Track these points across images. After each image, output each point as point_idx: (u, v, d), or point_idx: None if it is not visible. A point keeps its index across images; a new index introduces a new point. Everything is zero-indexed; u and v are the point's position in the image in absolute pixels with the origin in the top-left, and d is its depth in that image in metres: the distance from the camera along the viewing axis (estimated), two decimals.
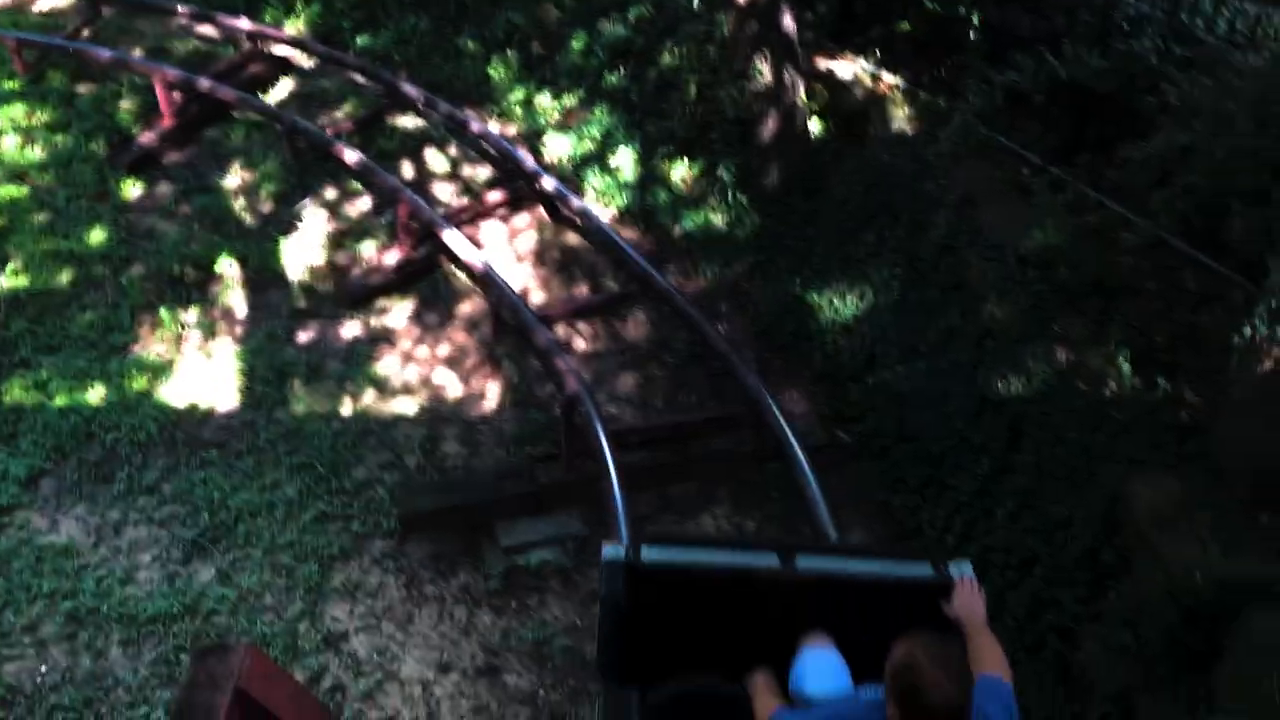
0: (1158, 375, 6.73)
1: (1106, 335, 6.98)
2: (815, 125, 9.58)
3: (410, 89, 11.60)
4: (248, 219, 10.96)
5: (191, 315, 10.02)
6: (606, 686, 4.31)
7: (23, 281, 10.28)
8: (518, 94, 11.64)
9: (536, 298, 9.85)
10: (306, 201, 10.99)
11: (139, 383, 9.34)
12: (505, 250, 10.40)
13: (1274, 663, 5.31)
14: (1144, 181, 6.76)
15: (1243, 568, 5.73)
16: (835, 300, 8.50)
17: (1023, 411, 6.86)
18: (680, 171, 10.07)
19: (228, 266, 10.41)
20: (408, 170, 11.24)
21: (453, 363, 9.43)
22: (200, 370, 9.52)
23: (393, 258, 10.22)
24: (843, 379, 8.22)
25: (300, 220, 10.84)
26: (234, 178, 11.38)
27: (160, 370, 9.50)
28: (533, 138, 11.29)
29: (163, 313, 9.96)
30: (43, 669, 7.29)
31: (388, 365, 9.46)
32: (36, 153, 11.64)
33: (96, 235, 10.76)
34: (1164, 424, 6.38)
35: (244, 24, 12.69)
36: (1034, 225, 7.67)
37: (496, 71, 11.87)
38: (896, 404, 7.63)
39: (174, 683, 7.02)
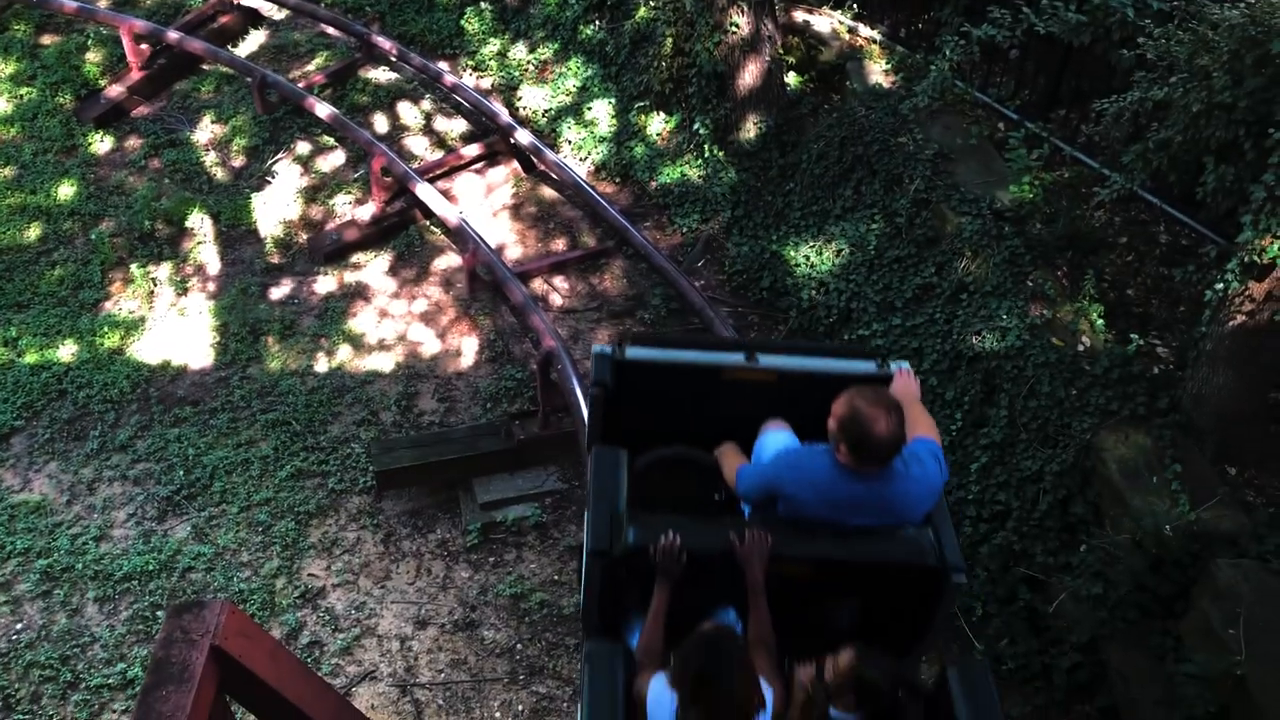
0: (1130, 330, 6.78)
1: (1080, 290, 7.02)
2: (792, 79, 9.51)
3: (383, 41, 11.45)
4: (219, 173, 10.84)
5: (163, 271, 9.94)
6: (597, 453, 4.59)
7: None
8: (492, 46, 11.50)
9: (512, 253, 9.81)
10: (279, 156, 10.87)
11: (111, 339, 9.27)
12: (480, 205, 10.34)
13: (1238, 612, 5.41)
14: (1118, 136, 6.76)
15: (1210, 520, 5.82)
16: (811, 255, 8.49)
17: (996, 366, 6.90)
18: (656, 125, 10.00)
19: (199, 222, 10.32)
20: (381, 124, 11.12)
21: (428, 319, 9.39)
22: (173, 327, 9.46)
23: (366, 213, 10.14)
24: (819, 335, 8.25)
25: (272, 175, 10.73)
26: (204, 132, 11.24)
27: (132, 327, 9.43)
28: (507, 91, 11.18)
29: (134, 269, 9.87)
30: (18, 626, 7.29)
31: (363, 321, 9.41)
32: (1, 106, 11.45)
33: (65, 190, 10.63)
34: (1135, 378, 6.42)
35: None
36: (1009, 180, 7.69)
37: (470, 24, 11.72)
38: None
39: (150, 639, 7.04)
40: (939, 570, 4.05)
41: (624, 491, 4.44)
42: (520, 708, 6.75)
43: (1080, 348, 6.69)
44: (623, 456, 4.60)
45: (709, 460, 4.75)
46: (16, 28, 12.13)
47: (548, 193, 10.36)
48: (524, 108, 10.96)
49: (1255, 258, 5.58)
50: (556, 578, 7.46)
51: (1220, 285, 5.76)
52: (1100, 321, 6.84)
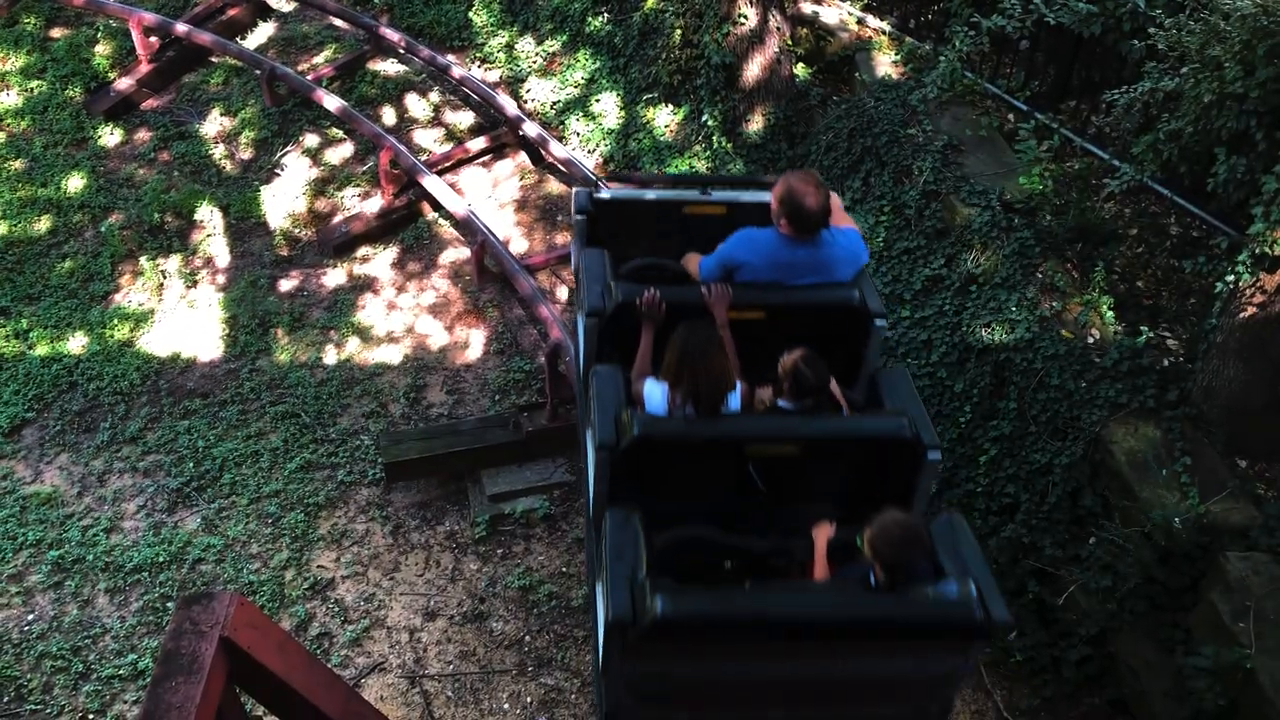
0: (1140, 322, 6.76)
1: (1090, 282, 6.99)
2: (801, 70, 9.48)
3: (391, 34, 11.44)
4: (228, 166, 10.86)
5: (173, 264, 9.96)
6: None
7: (0, 230, 10.19)
8: (500, 39, 11.49)
9: (519, 245, 9.81)
10: (288, 148, 10.88)
11: (121, 332, 9.30)
12: (488, 197, 10.33)
13: (1248, 605, 5.40)
14: (1129, 127, 6.73)
15: (1220, 512, 5.80)
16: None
17: (1006, 359, 6.87)
18: (664, 117, 9.98)
19: (208, 214, 10.34)
20: (389, 116, 11.12)
21: (436, 311, 9.40)
22: (182, 319, 9.48)
23: (375, 205, 10.14)
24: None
25: (281, 167, 10.74)
26: (213, 124, 11.26)
27: (142, 319, 9.46)
28: (515, 83, 11.16)
29: (143, 261, 9.90)
30: (30, 617, 7.33)
31: (371, 314, 9.43)
32: (11, 98, 11.49)
33: (75, 183, 10.66)
34: (1145, 370, 6.40)
35: None
36: (1019, 172, 7.66)
37: (478, 16, 11.71)
38: (881, 354, 7.63)
39: (160, 631, 7.06)
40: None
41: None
42: (529, 699, 6.77)
43: (1090, 340, 6.67)
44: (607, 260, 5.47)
45: (678, 267, 5.61)
46: (26, 21, 12.15)
47: (555, 185, 10.35)
48: (531, 100, 10.95)
49: (1267, 249, 5.56)
50: (565, 570, 7.47)
51: (1231, 277, 5.74)
52: (1110, 314, 6.81)
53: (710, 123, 9.51)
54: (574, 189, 5.82)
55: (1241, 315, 5.92)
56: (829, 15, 9.70)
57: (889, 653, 4.33)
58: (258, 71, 11.13)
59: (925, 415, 4.85)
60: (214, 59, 11.84)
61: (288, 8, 12.53)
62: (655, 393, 4.75)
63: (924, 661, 4.34)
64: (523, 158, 10.60)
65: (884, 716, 4.78)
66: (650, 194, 5.87)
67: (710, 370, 4.56)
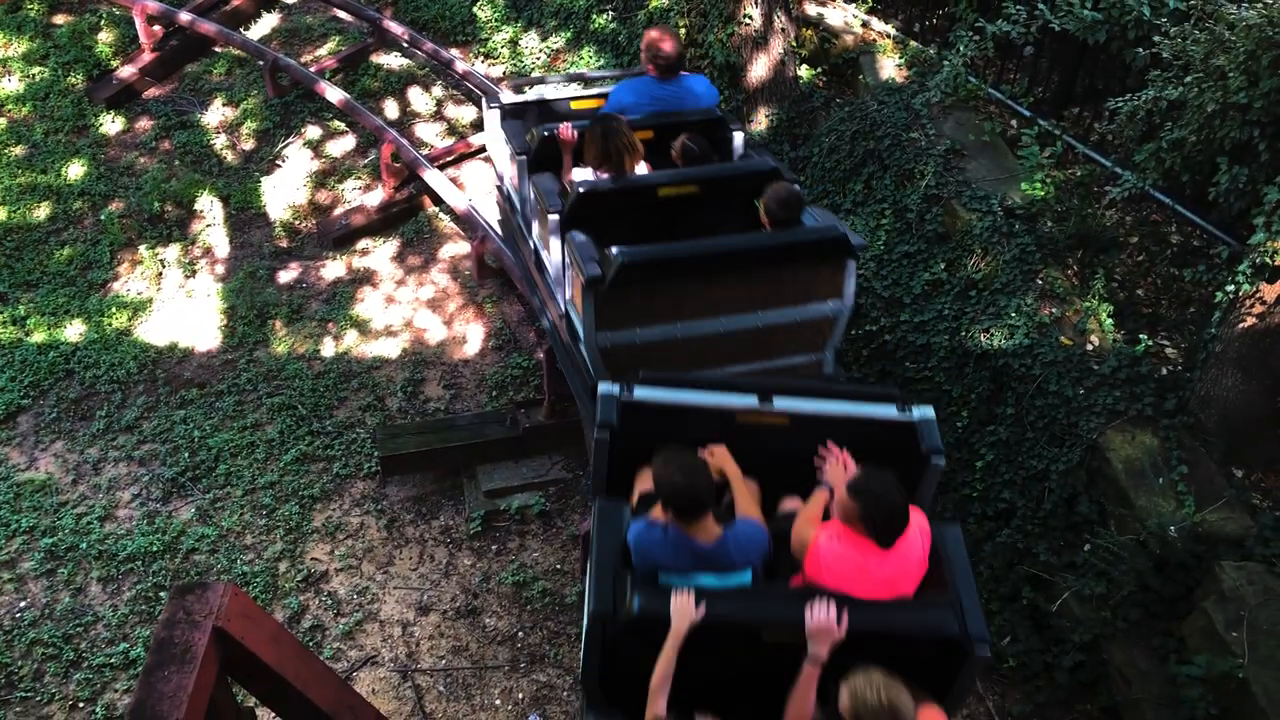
0: (1139, 330, 6.76)
1: (1090, 289, 7.00)
2: (804, 72, 9.48)
3: (395, 27, 11.43)
4: (229, 156, 10.84)
5: (172, 253, 9.95)
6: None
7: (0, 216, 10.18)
8: (504, 34, 11.48)
9: None
10: (289, 140, 10.87)
11: (118, 320, 9.29)
12: (489, 193, 10.31)
13: (1242, 615, 5.41)
14: (1131, 135, 6.73)
15: (1215, 522, 5.81)
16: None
17: (1004, 364, 6.88)
18: None
19: (209, 204, 10.32)
20: (392, 110, 11.11)
21: (435, 305, 9.39)
22: (180, 309, 9.47)
23: (375, 198, 10.13)
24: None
25: (283, 159, 10.73)
26: (215, 114, 11.24)
27: (140, 308, 9.44)
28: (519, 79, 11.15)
29: (142, 250, 9.89)
30: (22, 604, 7.31)
31: (370, 307, 9.41)
32: (13, 85, 11.47)
33: (75, 170, 10.64)
34: (1144, 378, 6.41)
35: None
36: (1021, 178, 7.67)
37: (483, 11, 11.70)
38: (880, 357, 7.64)
39: (153, 620, 7.05)
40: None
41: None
42: (521, 695, 6.76)
43: (1089, 347, 6.68)
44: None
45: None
46: (30, 7, 12.12)
47: None
48: None
49: (1267, 260, 5.56)
50: (559, 566, 7.47)
51: (1231, 287, 5.74)
52: (1109, 321, 6.82)
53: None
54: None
55: (1241, 325, 5.93)
56: (834, 17, 9.70)
57: None
58: (261, 62, 11.11)
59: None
60: (217, 49, 11.83)
61: None
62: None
63: None
64: None
65: None
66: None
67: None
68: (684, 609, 3.97)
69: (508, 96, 8.12)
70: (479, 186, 10.33)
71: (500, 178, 7.96)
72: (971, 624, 4.04)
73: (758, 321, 5.92)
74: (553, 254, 6.51)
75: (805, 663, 3.90)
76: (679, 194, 6.22)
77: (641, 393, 4.91)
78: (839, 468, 4.59)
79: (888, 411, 4.89)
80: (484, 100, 8.20)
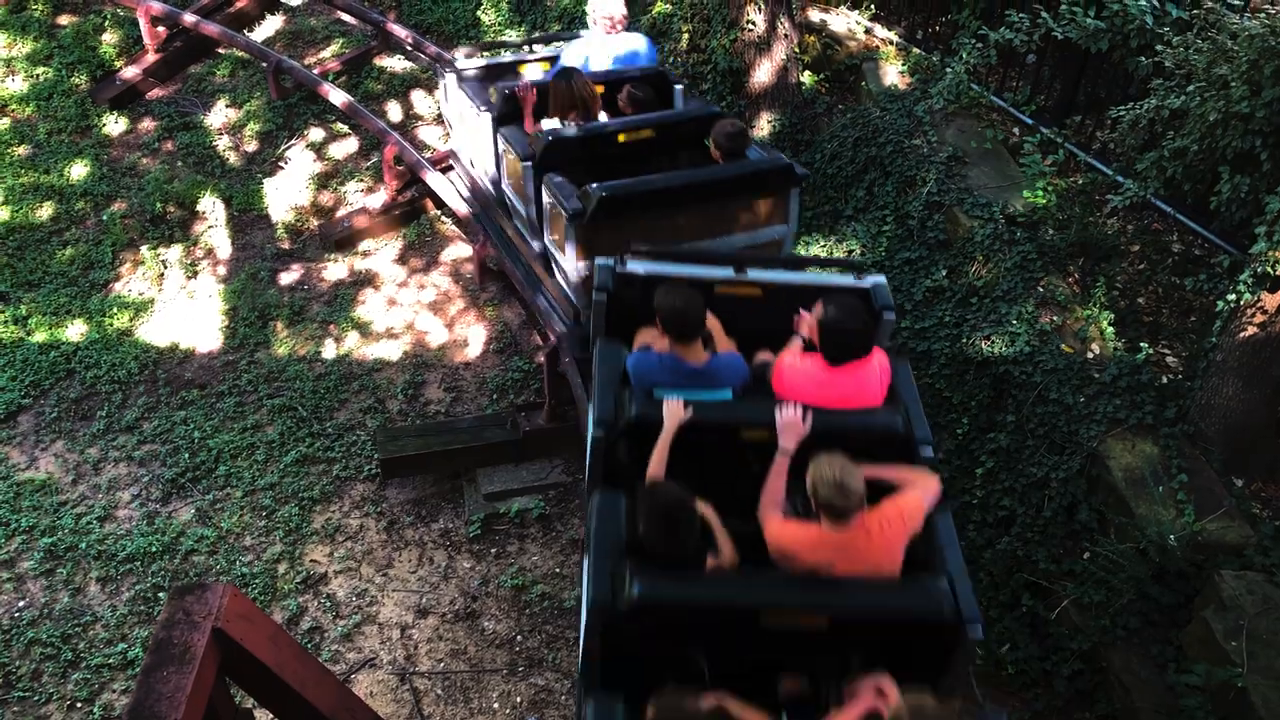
0: (1140, 338, 6.77)
1: (1090, 297, 7.00)
2: (807, 78, 9.49)
3: (399, 30, 11.45)
4: (232, 158, 10.86)
5: (174, 254, 9.96)
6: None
7: (2, 216, 10.21)
8: (508, 38, 11.49)
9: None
10: (292, 141, 10.88)
11: (120, 320, 9.29)
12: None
13: (1241, 624, 5.40)
14: (1133, 144, 6.74)
15: (1215, 531, 5.81)
16: (822, 255, 8.48)
17: (1005, 371, 6.88)
18: None
19: (211, 205, 10.34)
20: (395, 113, 11.13)
21: (437, 308, 9.40)
22: (182, 309, 9.48)
23: (378, 201, 10.14)
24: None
25: (285, 160, 10.74)
26: (218, 115, 11.26)
27: (141, 308, 9.45)
28: None
29: (144, 251, 9.90)
30: (21, 604, 7.31)
31: (371, 309, 9.42)
32: (17, 85, 11.49)
33: (78, 170, 10.66)
34: (1144, 386, 6.41)
35: None
36: (1023, 185, 7.67)
37: (486, 15, 11.72)
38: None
39: (152, 621, 7.05)
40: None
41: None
42: (519, 699, 6.76)
43: (1090, 355, 6.68)
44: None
45: None
46: (34, 7, 12.15)
47: None
48: None
49: (1268, 269, 5.56)
50: (558, 570, 7.46)
51: (1232, 296, 5.74)
52: (1110, 329, 6.82)
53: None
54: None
55: (1242, 334, 5.93)
56: (837, 23, 9.71)
57: None
58: (264, 64, 11.13)
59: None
60: (221, 50, 11.86)
61: (296, 1, 12.55)
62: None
63: None
64: None
65: None
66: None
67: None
68: (675, 410, 4.70)
69: (463, 64, 8.69)
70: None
71: (459, 145, 8.92)
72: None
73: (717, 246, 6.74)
74: (523, 199, 7.34)
75: (777, 454, 4.58)
76: (637, 138, 7.10)
77: (633, 265, 5.56)
78: (808, 323, 5.14)
79: (846, 279, 5.67)
80: (438, 68, 9.21)
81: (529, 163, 7.02)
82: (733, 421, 4.83)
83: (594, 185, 6.30)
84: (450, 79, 8.49)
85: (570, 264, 6.70)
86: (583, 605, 4.57)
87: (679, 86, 7.80)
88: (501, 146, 7.61)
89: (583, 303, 6.79)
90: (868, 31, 9.61)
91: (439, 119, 11.10)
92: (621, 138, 7.10)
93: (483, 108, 7.84)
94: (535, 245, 7.57)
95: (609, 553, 4.32)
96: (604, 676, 4.29)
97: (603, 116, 7.40)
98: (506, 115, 7.62)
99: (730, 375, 5.10)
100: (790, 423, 4.59)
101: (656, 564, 4.16)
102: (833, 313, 4.89)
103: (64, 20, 12.14)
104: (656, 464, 4.65)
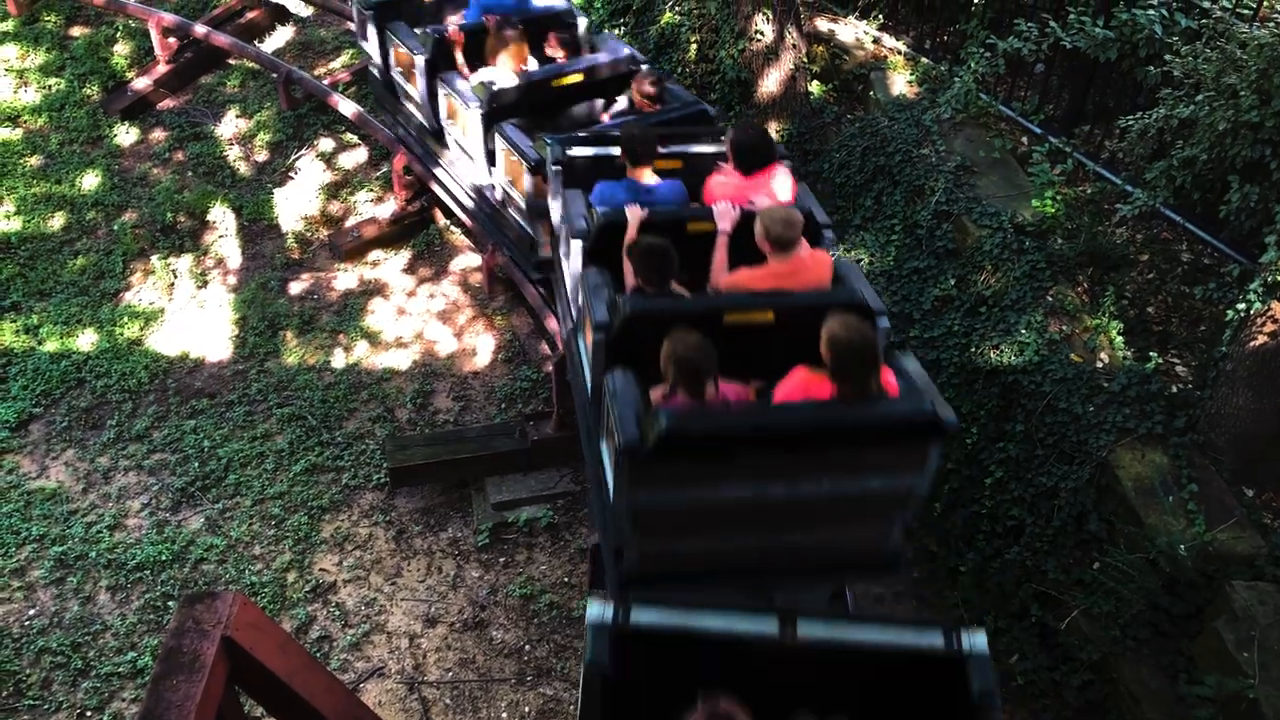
0: (1149, 348, 6.75)
1: (1100, 306, 6.99)
2: (815, 88, 9.50)
3: None
4: (242, 168, 10.90)
5: (184, 263, 10.00)
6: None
7: (14, 226, 10.25)
8: None
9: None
10: (302, 151, 10.93)
11: (130, 330, 9.33)
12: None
13: (1253, 635, 5.38)
14: (1142, 153, 6.73)
15: (1226, 541, 5.78)
16: None
17: (1014, 381, 6.87)
18: None
19: (221, 215, 10.38)
20: None
21: (446, 318, 9.42)
22: (192, 319, 9.51)
23: (387, 210, 10.17)
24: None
25: (295, 170, 10.78)
26: (229, 126, 11.31)
27: (152, 318, 9.49)
28: None
29: (155, 260, 9.94)
30: (31, 612, 7.33)
31: (380, 318, 9.44)
32: (30, 95, 11.55)
33: (89, 180, 10.71)
34: (1154, 396, 6.39)
35: None
36: (1031, 195, 7.67)
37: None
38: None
39: (161, 629, 7.06)
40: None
41: None
42: (527, 709, 6.75)
43: (1099, 364, 6.66)
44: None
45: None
46: (47, 19, 12.23)
47: None
48: None
49: (1278, 278, 5.55)
50: (567, 580, 7.46)
51: (1242, 305, 5.72)
52: (1119, 338, 6.81)
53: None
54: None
55: (1252, 344, 5.91)
56: (845, 33, 9.73)
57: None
58: (274, 75, 11.18)
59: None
60: (231, 61, 11.91)
61: (306, 12, 12.60)
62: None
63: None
64: None
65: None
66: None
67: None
68: (635, 212, 5.77)
69: None
70: None
71: (381, 67, 9.43)
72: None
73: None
74: (474, 142, 8.10)
75: (717, 236, 5.64)
76: (569, 83, 7.96)
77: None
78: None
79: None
80: (353, 4, 9.53)
81: (478, 110, 7.81)
82: (681, 215, 5.91)
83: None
84: (368, 15, 9.07)
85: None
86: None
87: (582, 21, 8.53)
88: (445, 94, 8.35)
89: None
90: (876, 41, 9.63)
91: None
92: (556, 83, 7.93)
93: (416, 50, 8.43)
94: (481, 179, 8.41)
95: (634, 407, 4.57)
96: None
97: (532, 64, 8.21)
98: (438, 59, 8.34)
99: (676, 197, 6.34)
100: (724, 212, 5.72)
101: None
102: (740, 131, 6.29)
103: (76, 32, 12.22)
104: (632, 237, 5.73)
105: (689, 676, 3.81)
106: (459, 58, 8.28)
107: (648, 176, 6.33)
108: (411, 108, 9.16)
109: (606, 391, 4.94)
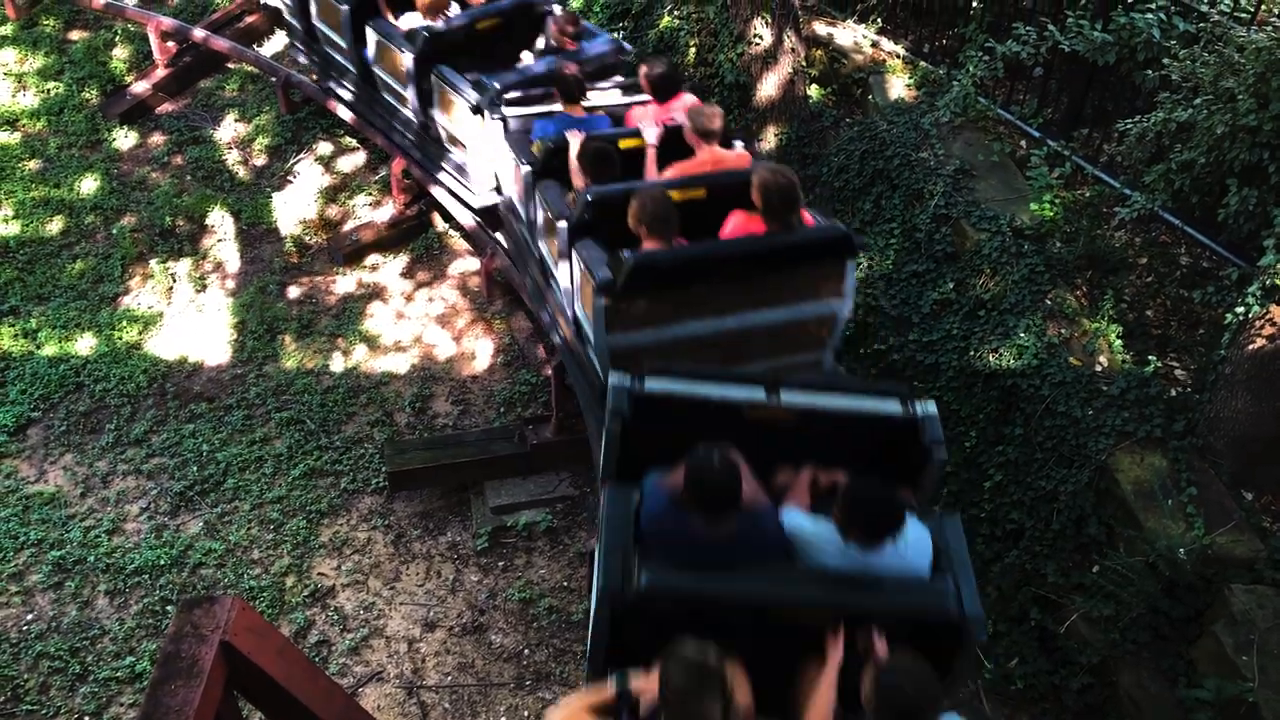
0: (1148, 351, 6.75)
1: (1099, 309, 6.99)
2: (814, 91, 9.50)
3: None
4: (241, 172, 10.90)
5: (183, 267, 9.99)
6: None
7: (13, 230, 10.24)
8: None
9: None
10: (301, 155, 10.92)
11: (129, 334, 9.32)
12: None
13: (1252, 639, 5.38)
14: (1141, 156, 6.73)
15: (1225, 544, 5.78)
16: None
17: (1013, 384, 6.87)
18: None
19: (220, 219, 10.37)
20: None
21: (444, 321, 9.41)
22: (191, 323, 9.50)
23: (386, 214, 10.17)
24: (835, 351, 8.22)
25: (294, 174, 10.78)
26: (227, 130, 11.31)
27: (150, 322, 9.48)
28: None
29: (154, 264, 9.93)
30: (29, 617, 7.32)
31: (379, 322, 9.44)
32: (28, 100, 11.55)
33: (88, 184, 10.71)
34: (1153, 399, 6.39)
35: None
36: (1030, 198, 7.67)
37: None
38: (888, 376, 7.64)
39: (160, 634, 7.05)
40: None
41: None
42: (526, 714, 6.74)
43: (1098, 368, 6.66)
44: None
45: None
46: (46, 23, 12.23)
47: None
48: None
49: (1277, 282, 5.55)
50: (566, 584, 7.45)
51: (1241, 309, 5.73)
52: (1118, 342, 6.81)
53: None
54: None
55: (1250, 347, 5.92)
56: (843, 37, 9.73)
57: None
58: (273, 78, 11.18)
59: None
60: (230, 65, 11.91)
61: None
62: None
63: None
64: None
65: None
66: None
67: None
68: (575, 135, 6.57)
69: None
70: None
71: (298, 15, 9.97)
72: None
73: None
74: (401, 81, 8.66)
75: (646, 150, 6.52)
76: (490, 25, 8.57)
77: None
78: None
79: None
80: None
81: (409, 55, 8.37)
82: (616, 136, 6.79)
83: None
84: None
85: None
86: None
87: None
88: (375, 41, 8.86)
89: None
90: (874, 45, 9.63)
91: None
92: (480, 25, 8.57)
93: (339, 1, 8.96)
94: (415, 115, 8.91)
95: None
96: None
97: (454, 8, 8.85)
98: (363, 6, 8.89)
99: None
100: (648, 127, 6.72)
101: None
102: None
103: (75, 36, 12.21)
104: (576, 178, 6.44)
105: (691, 432, 4.39)
106: (384, 6, 8.92)
107: (579, 111, 7.24)
108: (339, 56, 9.63)
109: (577, 254, 5.95)
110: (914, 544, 4.23)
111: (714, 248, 5.80)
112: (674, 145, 6.61)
